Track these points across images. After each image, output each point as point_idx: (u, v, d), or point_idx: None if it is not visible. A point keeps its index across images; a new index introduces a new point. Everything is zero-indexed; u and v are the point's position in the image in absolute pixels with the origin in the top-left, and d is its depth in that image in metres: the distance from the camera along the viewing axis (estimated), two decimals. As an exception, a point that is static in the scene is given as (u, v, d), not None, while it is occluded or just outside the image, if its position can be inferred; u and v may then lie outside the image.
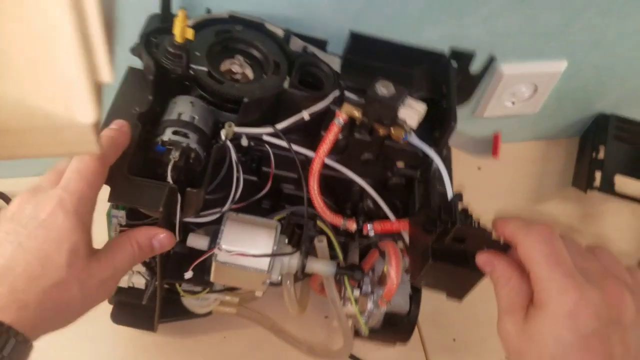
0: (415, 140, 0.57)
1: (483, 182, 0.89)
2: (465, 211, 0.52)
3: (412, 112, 0.55)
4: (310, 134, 0.59)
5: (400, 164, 0.61)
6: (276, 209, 0.63)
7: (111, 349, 0.68)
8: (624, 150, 0.91)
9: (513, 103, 0.86)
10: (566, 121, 0.95)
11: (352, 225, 0.62)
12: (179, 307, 0.67)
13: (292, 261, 0.58)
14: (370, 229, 0.62)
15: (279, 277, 0.57)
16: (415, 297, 0.65)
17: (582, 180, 0.90)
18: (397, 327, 0.66)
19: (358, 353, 0.71)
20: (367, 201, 0.64)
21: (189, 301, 0.65)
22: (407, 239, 0.63)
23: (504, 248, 0.49)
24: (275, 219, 0.60)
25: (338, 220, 0.61)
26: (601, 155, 0.91)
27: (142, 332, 0.68)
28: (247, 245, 0.55)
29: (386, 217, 0.63)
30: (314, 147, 0.58)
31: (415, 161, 0.60)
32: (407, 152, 0.59)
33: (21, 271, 0.41)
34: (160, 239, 0.50)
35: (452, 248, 0.51)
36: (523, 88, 0.82)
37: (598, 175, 0.89)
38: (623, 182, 0.87)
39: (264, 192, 0.60)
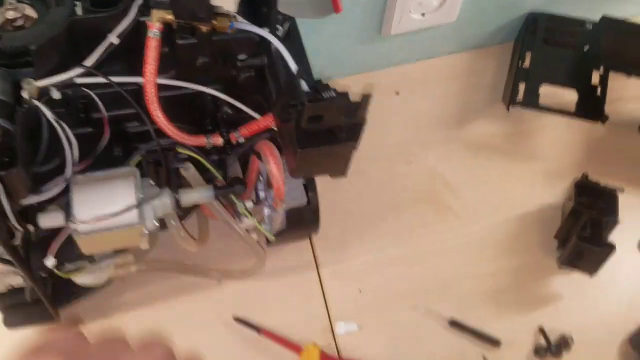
0: (242, 24, 0.50)
1: (403, 108, 0.80)
2: (317, 85, 0.47)
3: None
4: (134, 58, 0.51)
5: (241, 57, 0.54)
6: (130, 153, 0.56)
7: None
8: (554, 55, 0.78)
9: (423, 15, 0.75)
10: (492, 26, 0.84)
11: (218, 140, 0.56)
12: (74, 286, 0.61)
13: (165, 201, 0.52)
14: (237, 136, 0.57)
15: (156, 223, 0.51)
16: (310, 186, 0.62)
17: (507, 95, 0.79)
18: (302, 221, 0.63)
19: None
20: (225, 108, 0.57)
21: (81, 279, 0.59)
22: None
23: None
24: (132, 165, 0.53)
25: (201, 140, 0.55)
26: (527, 63, 0.79)
27: (45, 327, 0.62)
28: (105, 205, 0.48)
29: (252, 119, 0.57)
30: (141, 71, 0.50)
31: (255, 48, 0.53)
32: (242, 41, 0.52)
33: None
34: None
35: (314, 129, 0.46)
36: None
37: (522, 87, 0.77)
38: (553, 93, 0.77)
39: (104, 141, 0.52)
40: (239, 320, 0.63)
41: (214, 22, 0.49)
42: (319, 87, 0.47)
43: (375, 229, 0.71)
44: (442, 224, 0.72)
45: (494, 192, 0.75)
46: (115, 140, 0.53)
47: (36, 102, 0.47)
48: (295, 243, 0.69)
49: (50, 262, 0.48)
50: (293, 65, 0.49)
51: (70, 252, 0.53)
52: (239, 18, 0.50)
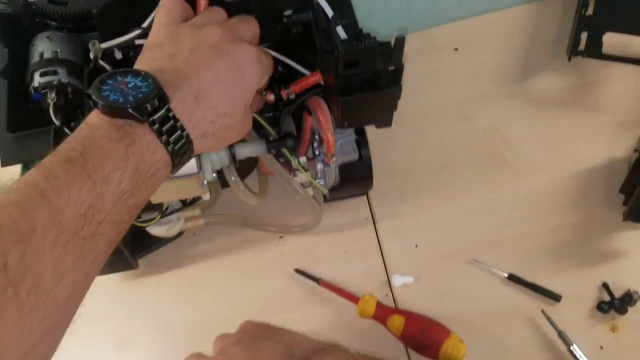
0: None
1: (462, 64, 0.78)
2: (359, 34, 0.47)
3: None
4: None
5: (287, 13, 0.55)
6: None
7: (105, 300, 0.67)
8: (618, 2, 0.71)
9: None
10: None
11: (270, 97, 0.57)
12: (150, 238, 0.65)
13: (221, 154, 0.54)
14: (288, 92, 0.58)
15: (214, 174, 0.54)
16: (361, 140, 0.62)
17: (569, 46, 0.75)
18: (355, 176, 0.63)
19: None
20: (276, 66, 0.59)
21: (154, 230, 0.63)
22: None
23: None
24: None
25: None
26: (590, 11, 0.74)
27: (125, 274, 0.67)
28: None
29: (302, 76, 0.58)
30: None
31: (299, 2, 0.54)
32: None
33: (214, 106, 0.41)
34: None
35: (354, 77, 0.47)
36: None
37: (584, 36, 0.73)
38: (619, 42, 0.73)
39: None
40: (300, 271, 0.65)
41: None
42: (360, 36, 0.47)
43: (433, 185, 0.70)
44: (502, 181, 0.70)
45: (556, 148, 0.72)
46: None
47: (101, 62, 0.50)
48: (353, 199, 0.70)
49: None
50: (329, 12, 0.49)
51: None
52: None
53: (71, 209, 0.33)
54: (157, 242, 0.66)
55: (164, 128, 0.38)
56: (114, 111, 0.37)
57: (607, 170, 0.70)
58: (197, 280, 0.68)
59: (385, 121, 0.51)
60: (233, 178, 0.58)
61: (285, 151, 0.59)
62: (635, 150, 0.67)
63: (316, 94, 0.58)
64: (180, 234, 0.67)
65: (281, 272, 0.67)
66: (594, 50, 0.72)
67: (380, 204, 0.70)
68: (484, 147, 0.73)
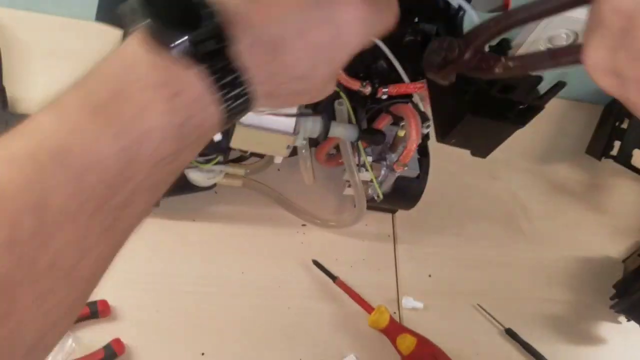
0: (440, -12, 0.52)
1: None
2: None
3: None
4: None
5: (416, 19, 0.56)
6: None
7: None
8: None
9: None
10: (593, 85, 0.85)
11: (367, 89, 0.57)
12: (183, 181, 0.61)
13: (315, 125, 0.52)
14: (384, 92, 0.58)
15: (303, 141, 0.52)
16: (423, 161, 0.63)
17: (598, 147, 0.82)
18: (407, 191, 0.64)
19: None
20: (381, 62, 0.58)
21: (194, 174, 0.59)
22: (420, 104, 0.60)
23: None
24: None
25: (355, 84, 0.56)
26: (625, 125, 0.82)
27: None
28: (270, 107, 0.49)
29: (398, 80, 0.58)
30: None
31: (434, 13, 0.55)
32: (425, 1, 0.54)
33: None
34: None
35: (490, 99, 0.47)
36: (563, 33, 0.70)
37: (617, 144, 0.80)
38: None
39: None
40: (318, 264, 0.64)
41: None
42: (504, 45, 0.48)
43: (454, 226, 0.72)
44: (514, 244, 0.74)
45: (563, 231, 0.77)
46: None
47: None
48: (380, 213, 0.70)
49: (217, 136, 0.48)
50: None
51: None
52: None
53: (96, 175, 0.26)
54: (188, 187, 0.62)
55: (225, 80, 0.28)
56: (159, 40, 0.27)
57: (601, 264, 0.75)
58: (209, 238, 0.64)
59: (484, 151, 0.52)
60: (304, 151, 0.57)
61: (360, 145, 0.58)
62: (638, 255, 0.73)
63: (403, 102, 0.59)
64: (211, 187, 0.63)
65: (297, 259, 0.65)
66: (623, 159, 0.79)
67: (403, 226, 0.70)
68: (505, 208, 0.76)
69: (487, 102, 0.47)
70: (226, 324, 0.59)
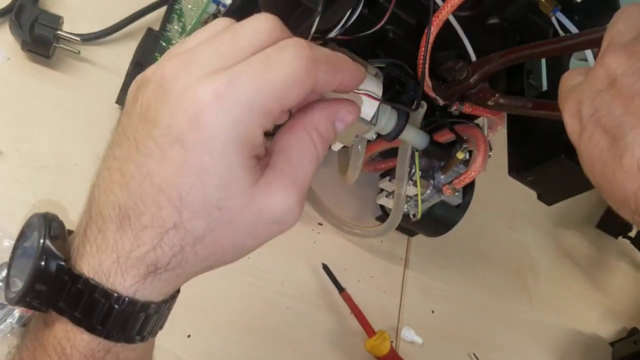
0: (562, 17, 0.48)
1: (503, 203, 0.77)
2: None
3: (582, -15, 0.45)
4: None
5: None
6: (364, 54, 0.51)
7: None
8: None
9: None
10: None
11: (456, 106, 0.52)
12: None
13: (390, 122, 0.47)
14: (459, 107, 0.53)
15: (374, 136, 0.46)
16: (469, 191, 0.59)
17: (612, 224, 0.80)
18: (440, 218, 0.59)
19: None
20: (463, 76, 0.54)
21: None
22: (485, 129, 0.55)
23: None
24: (374, 66, 0.48)
25: (430, 92, 0.51)
26: None
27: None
28: (354, 87, 0.43)
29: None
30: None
31: (538, 38, 0.51)
32: (537, 26, 0.49)
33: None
34: (344, 115, 0.28)
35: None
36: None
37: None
38: None
39: (375, 28, 0.47)
40: (327, 269, 0.58)
41: (543, -1, 0.46)
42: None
43: (464, 265, 0.68)
44: (516, 298, 0.71)
45: (563, 298, 0.75)
46: (376, 39, 0.48)
47: None
48: (397, 233, 0.65)
49: None
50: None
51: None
52: (561, 17, 0.47)
53: None
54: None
55: (78, 307, 0.25)
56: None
57: (590, 342, 0.74)
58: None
59: (554, 198, 0.48)
60: (360, 147, 0.51)
61: (417, 157, 0.53)
62: (635, 343, 0.71)
63: (472, 125, 0.54)
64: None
65: (307, 259, 0.58)
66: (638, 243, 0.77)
67: (417, 252, 0.65)
68: (515, 261, 0.73)
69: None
70: (217, 308, 0.52)
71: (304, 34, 0.37)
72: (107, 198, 0.25)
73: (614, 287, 0.80)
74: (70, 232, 0.27)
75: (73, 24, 0.53)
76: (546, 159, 0.45)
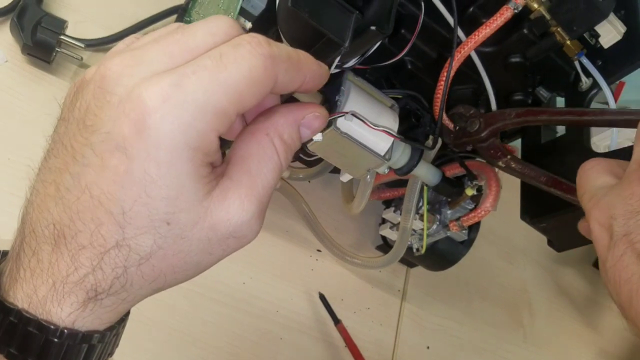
0: (585, 61, 0.46)
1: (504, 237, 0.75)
2: None
3: (612, 29, 0.43)
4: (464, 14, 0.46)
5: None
6: (380, 83, 0.49)
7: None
8: None
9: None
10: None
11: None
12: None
13: (403, 157, 0.45)
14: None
15: (386, 170, 0.45)
16: (474, 228, 0.57)
17: None
18: (444, 253, 0.57)
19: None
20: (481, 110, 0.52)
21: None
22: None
23: None
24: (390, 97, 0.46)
25: (449, 124, 0.49)
26: None
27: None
28: (370, 120, 0.41)
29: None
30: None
31: (559, 82, 0.49)
32: (559, 69, 0.48)
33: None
34: (311, 120, 0.26)
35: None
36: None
37: None
38: None
39: (395, 58, 0.45)
40: (324, 299, 0.56)
41: (569, 41, 0.45)
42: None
43: (462, 300, 0.66)
44: (511, 337, 0.69)
45: (557, 338, 0.73)
46: (393, 68, 0.47)
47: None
48: (396, 264, 0.63)
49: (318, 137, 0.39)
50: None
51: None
52: (584, 61, 0.46)
53: None
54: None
55: (12, 343, 0.22)
56: None
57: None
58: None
59: (565, 246, 0.47)
60: (369, 178, 0.49)
61: (426, 191, 0.51)
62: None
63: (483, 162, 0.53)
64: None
65: (303, 286, 0.56)
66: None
67: (415, 284, 0.64)
68: (513, 297, 0.71)
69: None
70: (207, 336, 0.50)
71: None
72: (41, 215, 0.22)
73: (608, 328, 0.78)
74: (4, 253, 0.24)
75: (78, 28, 0.51)
76: (562, 207, 0.43)
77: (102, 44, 0.52)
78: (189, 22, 0.52)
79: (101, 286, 0.22)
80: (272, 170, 0.25)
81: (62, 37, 0.49)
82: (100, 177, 0.21)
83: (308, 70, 0.25)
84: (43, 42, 0.48)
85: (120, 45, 0.25)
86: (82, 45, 0.50)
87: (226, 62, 0.22)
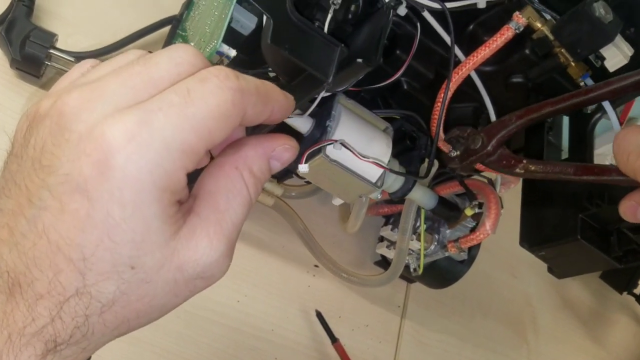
0: (589, 82, 0.45)
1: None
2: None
3: (618, 53, 0.42)
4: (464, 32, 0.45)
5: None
6: (376, 102, 0.48)
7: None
8: None
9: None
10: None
11: (455, 153, 0.49)
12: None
13: (397, 182, 0.44)
14: (472, 162, 0.50)
15: (379, 195, 0.44)
16: (474, 247, 0.56)
17: (616, 278, 0.76)
18: (443, 272, 0.56)
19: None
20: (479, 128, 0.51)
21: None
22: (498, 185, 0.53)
23: None
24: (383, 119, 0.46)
25: (447, 146, 0.48)
26: None
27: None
28: (361, 147, 0.41)
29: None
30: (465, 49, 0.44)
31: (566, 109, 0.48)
32: (563, 90, 0.46)
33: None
34: (281, 152, 0.26)
35: (607, 232, 0.41)
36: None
37: None
38: None
39: (389, 80, 0.44)
40: (321, 317, 0.55)
41: (573, 63, 0.43)
42: None
43: (463, 315, 0.66)
44: (515, 354, 0.68)
45: (561, 353, 0.73)
46: (389, 88, 0.46)
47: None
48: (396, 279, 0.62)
49: (304, 168, 0.39)
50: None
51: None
52: (589, 82, 0.44)
53: None
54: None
55: None
56: None
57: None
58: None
59: (565, 273, 0.46)
60: (364, 199, 0.48)
61: (423, 212, 0.51)
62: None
63: (485, 183, 0.52)
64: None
65: (300, 303, 0.56)
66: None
67: (415, 300, 0.63)
68: (516, 312, 0.71)
69: (599, 230, 0.41)
70: (200, 354, 0.50)
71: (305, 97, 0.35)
72: None
73: (613, 342, 0.77)
74: None
75: (69, 41, 0.51)
76: (561, 237, 0.42)
77: (92, 57, 0.51)
78: (183, 36, 0.51)
79: (61, 337, 0.21)
80: (242, 204, 0.24)
81: (51, 50, 0.49)
82: (59, 221, 0.20)
83: (275, 102, 0.24)
84: (32, 57, 0.48)
85: (74, 72, 0.24)
86: (72, 59, 0.50)
87: (194, 97, 0.21)
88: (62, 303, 0.21)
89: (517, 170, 0.41)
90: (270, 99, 0.24)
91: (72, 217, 0.20)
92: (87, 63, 0.25)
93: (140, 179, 0.20)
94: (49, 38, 0.49)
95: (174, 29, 0.53)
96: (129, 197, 0.20)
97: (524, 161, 0.41)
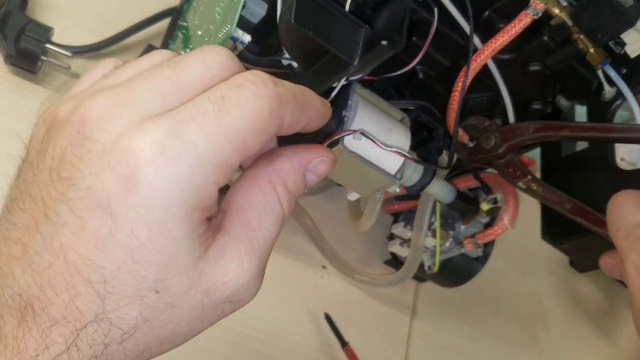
0: (608, 69, 0.44)
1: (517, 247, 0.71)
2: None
3: (639, 37, 0.41)
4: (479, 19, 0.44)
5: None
6: (389, 92, 0.47)
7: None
8: None
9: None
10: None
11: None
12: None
13: (415, 174, 0.43)
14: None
15: (397, 189, 0.43)
16: (490, 244, 0.55)
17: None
18: (457, 270, 0.55)
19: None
20: (496, 118, 0.50)
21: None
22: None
23: None
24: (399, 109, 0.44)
25: (464, 137, 0.47)
26: None
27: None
28: (380, 138, 0.39)
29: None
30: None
31: (581, 93, 0.47)
32: (581, 77, 0.46)
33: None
34: (317, 164, 0.25)
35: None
36: None
37: None
38: None
39: (406, 68, 0.43)
40: (330, 320, 0.54)
41: (592, 49, 0.42)
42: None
43: (474, 315, 0.65)
44: (526, 350, 0.68)
45: (572, 352, 0.72)
46: (404, 77, 0.45)
47: None
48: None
49: None
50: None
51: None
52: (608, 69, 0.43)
53: None
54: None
55: None
56: None
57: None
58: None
59: (586, 267, 0.46)
60: (378, 195, 0.47)
61: (439, 207, 0.50)
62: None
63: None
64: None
65: (307, 305, 0.54)
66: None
67: (426, 300, 0.62)
68: (528, 310, 0.70)
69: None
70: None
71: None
72: (5, 281, 0.20)
73: (627, 341, 0.77)
74: None
75: (65, 34, 0.49)
76: (585, 229, 0.41)
77: (90, 51, 0.50)
78: (185, 27, 0.49)
79: None
80: (275, 222, 0.23)
81: (47, 45, 0.47)
82: (78, 240, 0.19)
83: (313, 109, 0.23)
84: (27, 52, 0.46)
85: (96, 73, 0.23)
86: (69, 54, 0.48)
87: (229, 105, 0.20)
88: (79, 330, 0.19)
89: (520, 183, 0.42)
90: (308, 106, 0.23)
91: (92, 236, 0.19)
92: (110, 63, 0.23)
93: (170, 196, 0.19)
94: (45, 32, 0.47)
95: (174, 20, 0.51)
96: (156, 215, 0.19)
97: (529, 177, 0.41)
